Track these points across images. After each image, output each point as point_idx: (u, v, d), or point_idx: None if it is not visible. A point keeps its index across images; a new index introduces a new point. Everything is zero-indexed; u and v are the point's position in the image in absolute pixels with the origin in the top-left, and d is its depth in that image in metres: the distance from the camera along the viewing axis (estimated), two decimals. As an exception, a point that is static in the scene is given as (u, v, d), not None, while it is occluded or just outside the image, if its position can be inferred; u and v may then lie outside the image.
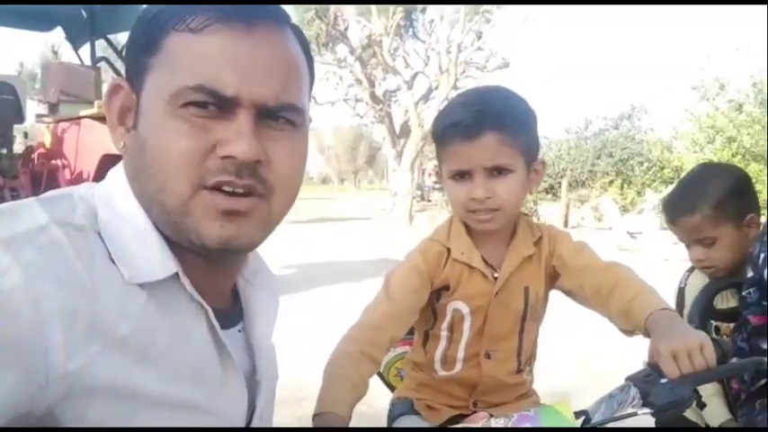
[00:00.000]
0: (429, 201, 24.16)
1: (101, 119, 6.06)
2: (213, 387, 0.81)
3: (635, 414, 0.99)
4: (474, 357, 1.44)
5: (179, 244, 0.79)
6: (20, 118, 7.01)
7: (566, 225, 15.19)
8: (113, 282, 0.71)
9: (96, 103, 6.61)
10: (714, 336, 1.71)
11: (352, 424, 1.15)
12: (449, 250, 1.41)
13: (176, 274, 0.78)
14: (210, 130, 0.75)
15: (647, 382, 1.03)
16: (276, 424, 1.01)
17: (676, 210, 1.80)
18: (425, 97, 22.22)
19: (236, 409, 0.86)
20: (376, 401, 1.71)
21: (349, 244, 12.25)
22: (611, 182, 19.32)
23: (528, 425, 0.99)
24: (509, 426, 1.00)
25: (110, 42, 7.40)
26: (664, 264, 8.62)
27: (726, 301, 1.75)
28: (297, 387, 3.05)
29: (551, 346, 2.97)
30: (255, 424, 0.90)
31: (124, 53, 0.84)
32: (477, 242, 1.42)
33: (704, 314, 1.74)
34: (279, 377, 1.02)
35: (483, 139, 1.29)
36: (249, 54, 0.76)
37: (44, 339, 0.63)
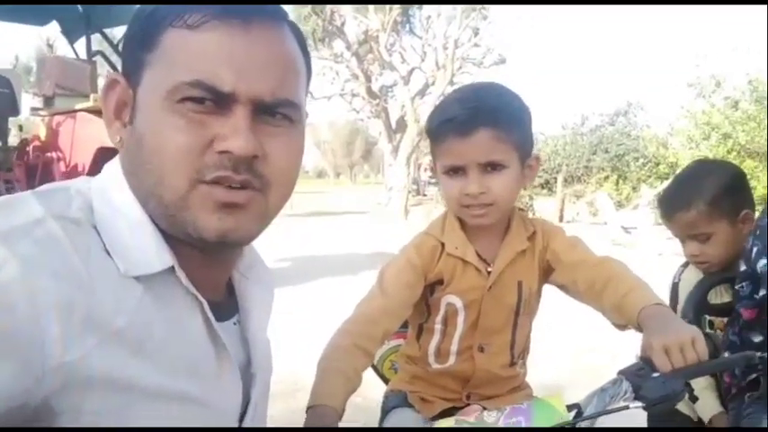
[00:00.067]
0: (424, 195, 24.20)
1: (96, 112, 6.05)
2: (208, 379, 0.81)
3: (627, 407, 1.00)
4: (467, 351, 1.45)
5: (175, 237, 0.79)
6: (15, 111, 6.98)
7: (561, 220, 15.23)
8: (109, 275, 0.72)
9: (92, 96, 6.59)
10: (708, 330, 1.73)
11: (346, 415, 1.15)
12: (443, 245, 1.42)
13: (172, 267, 0.78)
14: (207, 126, 0.76)
15: (639, 375, 1.03)
16: (271, 416, 1.01)
17: (672, 205, 1.81)
18: (422, 93, 22.18)
19: (231, 402, 0.87)
20: (370, 393, 1.72)
21: (345, 238, 12.24)
22: (606, 177, 19.38)
23: (520, 418, 1.00)
24: (501, 418, 1.01)
25: (105, 36, 7.36)
26: (658, 258, 8.66)
27: (720, 296, 1.77)
28: (291, 380, 3.05)
29: (544, 339, 2.99)
30: (250, 416, 0.91)
31: (120, 47, 0.85)
32: (471, 237, 1.43)
33: (698, 309, 1.75)
34: (273, 370, 1.03)
35: (477, 135, 1.30)
36: (246, 50, 0.77)
37: (41, 332, 0.63)
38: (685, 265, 1.90)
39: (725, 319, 1.71)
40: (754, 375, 1.57)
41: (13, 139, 7.63)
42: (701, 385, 1.67)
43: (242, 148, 0.75)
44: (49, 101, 7.19)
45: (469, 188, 1.33)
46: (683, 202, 1.76)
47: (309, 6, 20.26)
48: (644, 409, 1.01)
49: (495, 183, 1.33)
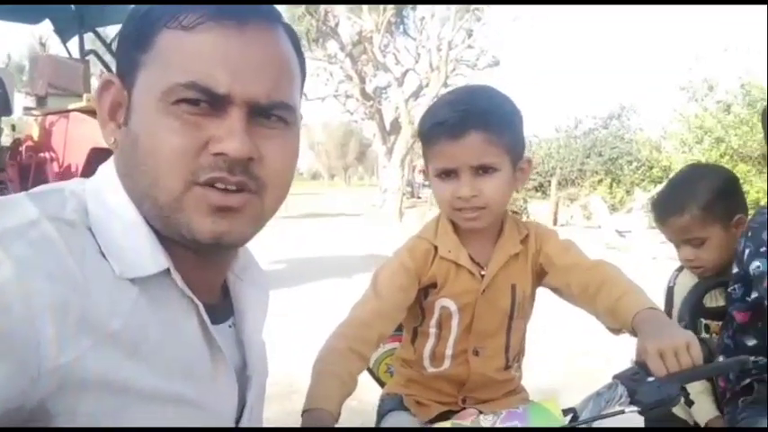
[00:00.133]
0: (419, 197, 24.19)
1: (89, 112, 6.03)
2: (204, 382, 0.81)
3: (622, 412, 1.00)
4: (462, 354, 1.45)
5: (170, 239, 0.79)
6: (7, 110, 6.97)
7: (555, 223, 15.25)
8: (104, 277, 0.71)
9: (85, 96, 6.57)
10: (704, 333, 1.73)
11: (342, 419, 1.15)
12: (436, 248, 1.42)
13: (167, 269, 0.78)
14: (202, 128, 0.75)
15: (634, 380, 1.04)
16: (266, 418, 1.01)
17: (665, 210, 1.81)
18: (416, 94, 22.23)
19: (227, 404, 0.87)
20: (366, 396, 1.72)
21: (339, 240, 12.24)
22: (600, 181, 19.44)
23: (516, 422, 1.00)
24: (497, 422, 1.01)
25: (98, 35, 7.34)
26: (652, 262, 8.68)
27: (715, 299, 1.77)
28: (287, 382, 3.05)
29: (539, 343, 2.98)
30: (246, 418, 0.90)
31: (113, 47, 0.84)
32: (464, 240, 1.42)
33: (694, 312, 1.76)
34: (269, 372, 1.02)
35: (468, 139, 1.30)
36: (241, 52, 0.76)
37: (36, 333, 0.63)
38: (680, 269, 1.91)
39: (720, 323, 1.71)
40: (747, 380, 1.57)
41: (5, 139, 7.60)
42: (697, 389, 1.67)
43: (237, 150, 0.75)
44: (41, 100, 7.18)
45: (461, 191, 1.33)
46: (677, 207, 1.76)
47: (303, 6, 20.26)
48: (639, 413, 1.01)
49: (486, 186, 1.33)
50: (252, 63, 0.77)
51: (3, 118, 7.14)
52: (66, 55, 7.53)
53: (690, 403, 1.06)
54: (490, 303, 1.42)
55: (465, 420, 1.04)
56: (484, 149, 1.31)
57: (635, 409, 1.00)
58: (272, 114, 0.80)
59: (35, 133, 7.09)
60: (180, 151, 0.74)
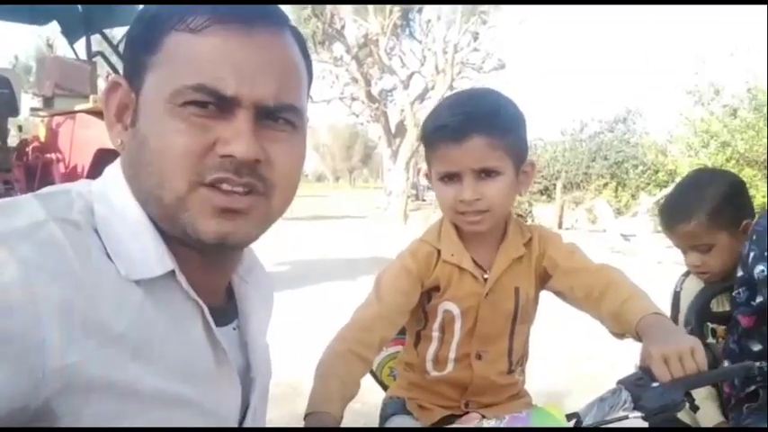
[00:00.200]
0: (423, 200, 24.21)
1: (96, 113, 6.05)
2: (208, 384, 0.81)
3: (626, 417, 0.99)
4: (465, 358, 1.45)
5: (175, 241, 0.79)
6: (14, 111, 6.99)
7: (560, 227, 15.23)
8: (110, 278, 0.72)
9: (91, 97, 6.59)
10: (710, 338, 1.73)
11: (345, 421, 1.15)
12: (439, 251, 1.42)
13: (172, 271, 0.78)
14: (210, 129, 0.76)
15: (638, 385, 1.03)
16: (269, 420, 1.01)
17: (673, 217, 1.81)
18: (421, 97, 22.23)
19: (230, 406, 0.87)
20: (369, 399, 1.72)
21: (344, 242, 12.25)
22: (605, 184, 19.40)
23: (519, 426, 1.00)
24: (501, 427, 1.01)
25: (105, 37, 7.37)
26: (657, 266, 8.66)
27: (722, 304, 1.77)
28: (290, 384, 3.05)
29: (543, 347, 2.98)
30: (249, 421, 0.91)
31: (120, 48, 0.85)
32: (467, 243, 1.42)
33: (701, 316, 1.75)
34: (272, 374, 1.02)
35: (470, 142, 1.30)
36: (249, 55, 0.77)
37: (41, 334, 0.63)
38: (687, 274, 1.90)
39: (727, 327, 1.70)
40: (753, 387, 1.56)
41: (12, 140, 7.63)
42: (702, 395, 1.66)
43: (244, 151, 0.75)
44: (48, 101, 7.20)
45: (464, 195, 1.32)
46: (684, 214, 1.76)
47: (309, 9, 20.30)
48: (643, 419, 1.01)
49: (489, 189, 1.32)
50: (259, 66, 0.77)
51: (10, 119, 7.16)
52: (74, 56, 7.55)
53: (695, 409, 1.05)
54: (493, 307, 1.42)
55: (468, 425, 1.04)
56: (486, 153, 1.30)
57: (639, 414, 1.00)
58: (280, 117, 0.81)
59: (42, 134, 7.12)
60: (186, 152, 0.74)
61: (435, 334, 1.45)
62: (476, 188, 1.32)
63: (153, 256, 0.77)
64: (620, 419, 0.99)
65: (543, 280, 1.45)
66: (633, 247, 11.11)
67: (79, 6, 7.03)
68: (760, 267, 1.47)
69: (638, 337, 1.14)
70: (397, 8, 20.73)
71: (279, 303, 1.10)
